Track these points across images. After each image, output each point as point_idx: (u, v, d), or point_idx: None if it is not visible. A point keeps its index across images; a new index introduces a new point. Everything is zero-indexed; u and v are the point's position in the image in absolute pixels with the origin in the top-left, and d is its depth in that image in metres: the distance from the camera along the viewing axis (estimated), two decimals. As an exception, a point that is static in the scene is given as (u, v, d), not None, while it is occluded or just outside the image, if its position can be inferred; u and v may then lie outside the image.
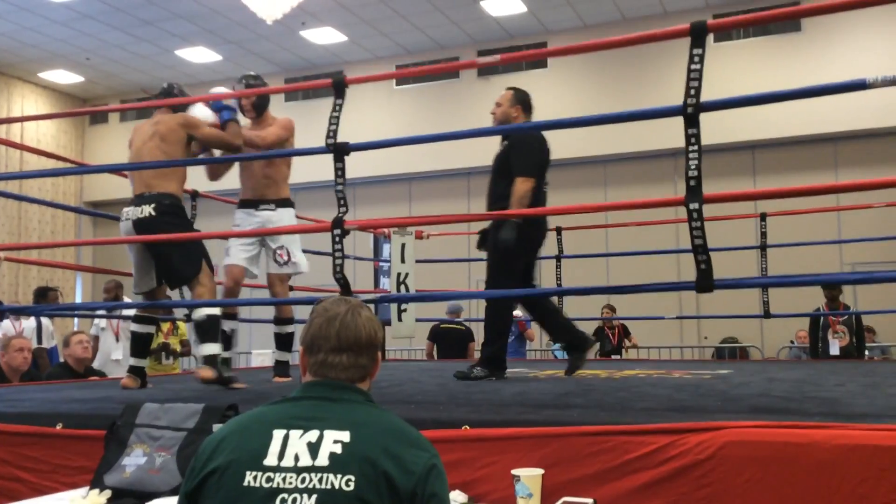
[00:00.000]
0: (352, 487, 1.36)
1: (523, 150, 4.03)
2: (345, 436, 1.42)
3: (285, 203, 4.35)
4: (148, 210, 3.76)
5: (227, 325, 4.31)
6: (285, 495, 1.37)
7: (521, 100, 4.21)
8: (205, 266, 3.84)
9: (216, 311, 3.81)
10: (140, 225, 3.77)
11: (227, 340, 4.36)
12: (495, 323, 4.09)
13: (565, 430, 2.11)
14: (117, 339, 6.49)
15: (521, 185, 3.94)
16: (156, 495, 2.14)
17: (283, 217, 4.29)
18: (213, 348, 3.76)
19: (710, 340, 10.09)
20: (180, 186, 3.95)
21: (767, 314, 5.90)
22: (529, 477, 1.83)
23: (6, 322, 6.42)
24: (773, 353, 9.24)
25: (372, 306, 3.00)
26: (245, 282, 4.44)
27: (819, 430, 1.90)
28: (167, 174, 3.86)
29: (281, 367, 4.53)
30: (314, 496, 1.36)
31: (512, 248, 3.82)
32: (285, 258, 4.24)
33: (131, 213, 3.81)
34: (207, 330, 3.75)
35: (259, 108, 4.39)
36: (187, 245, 3.78)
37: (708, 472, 1.91)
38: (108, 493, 2.15)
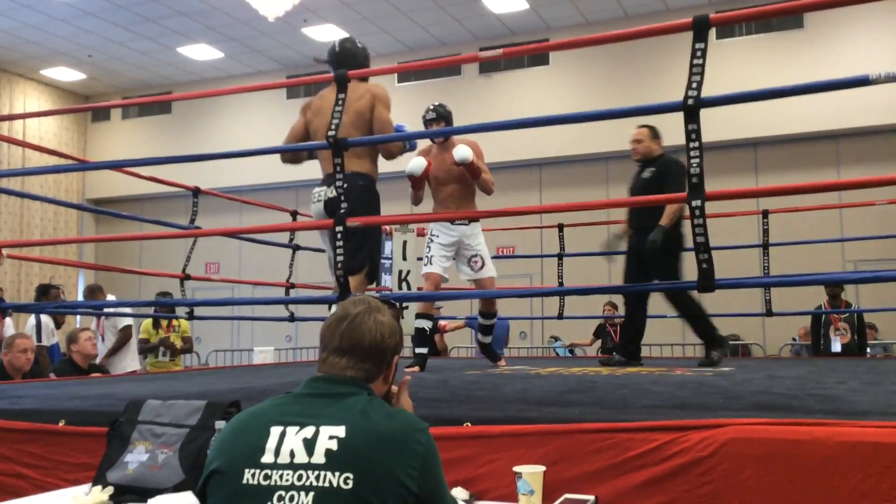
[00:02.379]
0: (350, 485, 1.35)
1: (677, 176, 4.66)
2: (340, 431, 1.41)
3: (476, 218, 4.81)
4: (330, 191, 3.54)
5: (426, 325, 4.83)
6: (282, 492, 1.37)
7: (658, 134, 5.02)
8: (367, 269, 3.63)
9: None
10: (329, 205, 3.59)
11: (426, 339, 4.91)
12: (691, 310, 4.76)
13: (567, 428, 2.10)
14: (102, 339, 6.53)
15: (675, 204, 4.58)
16: (158, 492, 2.14)
17: (476, 232, 4.87)
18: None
19: (712, 338, 10.06)
20: (373, 163, 3.72)
21: (769, 312, 5.89)
22: (531, 474, 1.83)
23: (8, 320, 6.44)
24: (775, 350, 9.23)
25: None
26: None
27: (821, 427, 1.90)
28: (357, 150, 3.57)
29: (489, 352, 5.25)
30: (311, 494, 1.36)
31: (656, 249, 4.55)
32: (480, 264, 4.85)
33: (322, 193, 3.62)
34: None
35: (447, 136, 4.75)
36: (358, 237, 3.49)
37: (709, 470, 1.91)
38: (110, 490, 2.15)
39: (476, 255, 4.84)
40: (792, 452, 1.85)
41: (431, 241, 4.86)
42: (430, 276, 4.76)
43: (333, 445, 1.39)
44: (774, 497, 1.84)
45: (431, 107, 4.88)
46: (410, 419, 1.49)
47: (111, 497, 2.13)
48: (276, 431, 1.43)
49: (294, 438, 1.41)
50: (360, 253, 3.61)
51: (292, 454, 1.40)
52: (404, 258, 6.11)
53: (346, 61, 3.82)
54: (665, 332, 9.63)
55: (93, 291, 6.88)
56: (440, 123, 4.80)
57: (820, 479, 1.81)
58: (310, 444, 1.40)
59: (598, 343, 8.71)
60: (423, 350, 4.84)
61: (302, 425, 1.43)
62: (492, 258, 5.01)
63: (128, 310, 6.61)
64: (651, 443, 1.98)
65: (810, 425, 1.92)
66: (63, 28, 11.11)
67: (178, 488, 2.14)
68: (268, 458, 1.40)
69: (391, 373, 1.63)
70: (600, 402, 2.75)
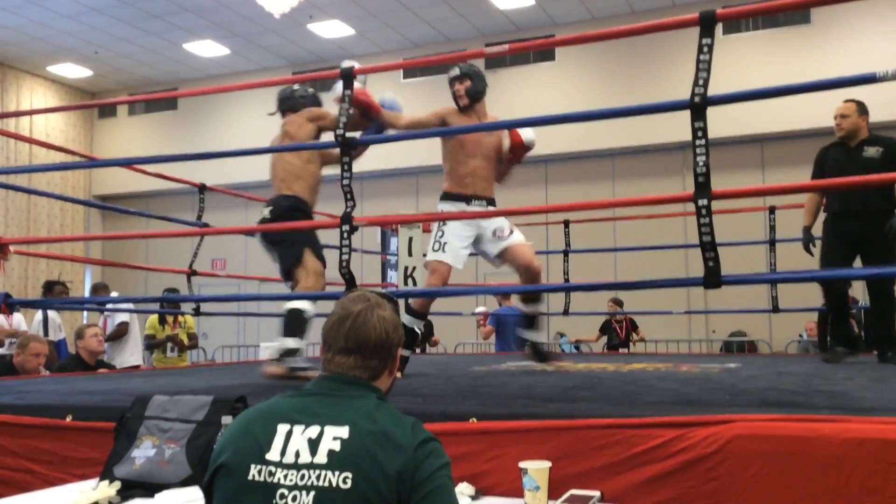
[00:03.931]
0: (349, 485, 1.36)
1: None
2: (344, 432, 1.41)
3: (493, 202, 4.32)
4: (265, 212, 3.73)
5: (417, 326, 4.12)
6: (284, 491, 1.38)
7: (866, 110, 4.82)
8: (306, 259, 3.66)
9: (303, 305, 3.57)
10: (261, 224, 3.77)
11: (414, 339, 4.17)
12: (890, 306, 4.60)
13: (573, 424, 2.10)
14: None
15: None
16: (165, 487, 2.15)
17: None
18: (289, 342, 3.56)
19: (718, 334, 10.06)
20: (307, 188, 3.81)
21: (776, 308, 5.87)
22: (537, 470, 1.84)
23: (19, 315, 6.47)
24: (782, 346, 9.21)
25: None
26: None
27: (828, 423, 1.89)
28: (291, 177, 3.74)
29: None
30: (312, 493, 1.37)
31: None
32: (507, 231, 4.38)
33: (260, 214, 3.80)
34: (288, 324, 3.58)
35: (473, 96, 4.19)
36: (288, 241, 3.69)
37: (715, 466, 1.91)
38: (117, 485, 2.16)
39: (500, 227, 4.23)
40: (798, 449, 1.85)
41: (445, 224, 4.18)
42: (441, 266, 4.05)
43: (336, 446, 1.40)
44: (780, 494, 1.84)
45: (457, 66, 4.27)
46: (418, 427, 1.48)
47: (118, 492, 2.15)
48: (283, 429, 1.44)
49: (300, 438, 1.42)
50: (289, 254, 3.70)
51: (297, 454, 1.40)
52: (410, 254, 6.11)
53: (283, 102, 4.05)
54: (671, 327, 9.64)
55: (96, 290, 6.91)
56: (465, 82, 4.21)
57: (826, 475, 1.81)
58: (314, 444, 1.41)
59: (604, 339, 8.70)
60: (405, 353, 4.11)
61: (308, 424, 1.44)
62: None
63: (130, 305, 6.61)
64: (657, 439, 1.98)
65: (817, 422, 1.92)
66: (69, 25, 11.14)
67: (184, 483, 2.15)
68: (273, 455, 1.41)
69: (395, 365, 1.63)
70: (606, 398, 2.75)
